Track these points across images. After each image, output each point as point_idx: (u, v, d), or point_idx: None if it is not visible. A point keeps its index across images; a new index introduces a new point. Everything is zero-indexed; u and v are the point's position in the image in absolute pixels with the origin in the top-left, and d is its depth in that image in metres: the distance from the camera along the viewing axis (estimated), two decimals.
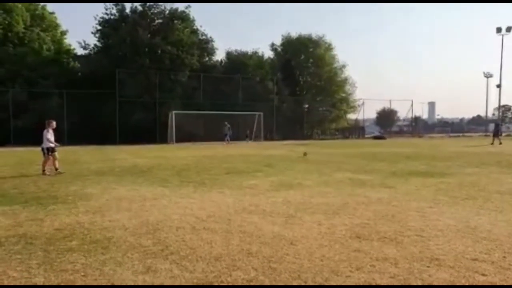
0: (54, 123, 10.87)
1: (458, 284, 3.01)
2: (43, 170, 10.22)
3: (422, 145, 24.89)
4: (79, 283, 3.03)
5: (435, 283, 2.99)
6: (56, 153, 10.64)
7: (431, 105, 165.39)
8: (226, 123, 28.91)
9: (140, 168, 11.54)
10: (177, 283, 3.00)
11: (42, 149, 10.56)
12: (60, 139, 28.22)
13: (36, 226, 4.71)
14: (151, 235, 4.31)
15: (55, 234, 4.38)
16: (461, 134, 54.93)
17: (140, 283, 3.01)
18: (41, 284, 3.03)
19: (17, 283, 3.03)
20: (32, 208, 5.79)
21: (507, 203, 5.99)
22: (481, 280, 3.06)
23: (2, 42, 30.88)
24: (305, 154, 14.87)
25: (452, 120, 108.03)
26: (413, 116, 50.81)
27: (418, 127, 55.99)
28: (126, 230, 4.52)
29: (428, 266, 3.34)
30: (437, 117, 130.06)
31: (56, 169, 10.36)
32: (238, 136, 31.91)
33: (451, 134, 54.64)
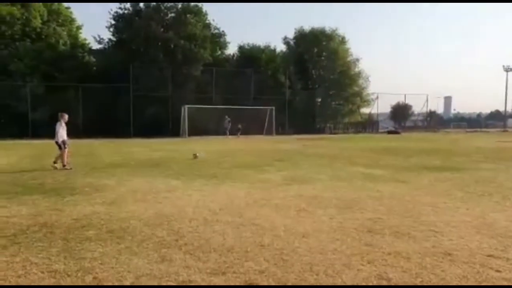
0: (66, 116, 10.67)
1: (471, 279, 3.00)
2: (64, 165, 10.01)
3: (437, 140, 24.54)
4: (97, 271, 3.12)
5: (447, 278, 2.99)
6: (66, 149, 10.39)
7: (447, 100, 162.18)
8: (226, 116, 29.02)
9: (154, 161, 11.72)
10: (191, 273, 3.07)
11: (57, 143, 10.34)
12: (76, 132, 28.85)
13: (56, 216, 4.86)
14: (165, 226, 4.40)
15: (73, 223, 4.52)
16: (478, 130, 53.83)
17: (155, 272, 3.09)
18: (61, 270, 3.13)
19: (39, 270, 3.14)
20: (51, 198, 5.96)
21: None
22: (495, 276, 3.04)
23: (20, 37, 31.51)
24: (195, 156, 12.15)
25: (469, 115, 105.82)
26: (428, 110, 50.06)
27: (433, 122, 55.10)
28: (141, 221, 4.62)
29: (441, 261, 3.33)
30: (453, 111, 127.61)
31: (64, 165, 10.05)
32: (249, 130, 31.99)
33: (468, 130, 53.65)
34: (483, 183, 7.40)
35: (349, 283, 2.91)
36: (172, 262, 3.30)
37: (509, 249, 3.66)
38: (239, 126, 30.01)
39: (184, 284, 2.90)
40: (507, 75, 56.20)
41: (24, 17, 31.89)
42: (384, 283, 2.90)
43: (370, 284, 2.90)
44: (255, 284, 2.89)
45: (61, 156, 10.18)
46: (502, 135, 35.67)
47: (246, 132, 31.41)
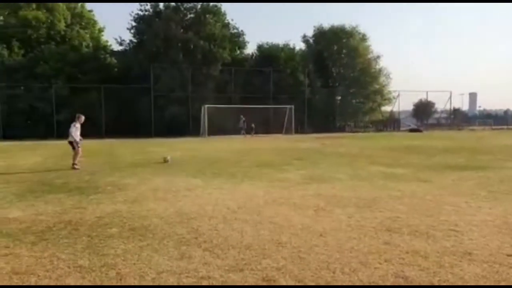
0: (83, 118, 10.98)
1: (490, 279, 2.95)
2: (74, 164, 10.21)
3: (461, 138, 23.89)
4: (120, 267, 3.24)
5: (466, 277, 2.96)
6: (79, 148, 10.62)
7: (472, 96, 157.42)
8: (241, 116, 28.95)
9: (174, 160, 11.89)
10: (209, 269, 3.14)
11: (71, 142, 10.58)
12: (98, 132, 29.50)
13: (80, 214, 5.04)
14: (185, 224, 4.50)
15: (97, 221, 4.68)
16: (505, 127, 51.99)
17: (175, 269, 3.17)
18: (86, 266, 3.26)
19: (65, 265, 3.29)
20: (76, 197, 6.17)
21: None
22: None
23: (46, 41, 32.55)
24: (165, 160, 11.39)
25: (496, 112, 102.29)
26: (452, 107, 48.75)
27: (458, 119, 53.63)
28: (162, 219, 4.73)
29: (460, 261, 3.29)
30: (478, 108, 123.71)
31: (74, 164, 10.21)
32: (268, 129, 31.96)
33: (494, 127, 51.90)
34: (508, 182, 7.20)
35: (365, 281, 2.92)
36: (192, 259, 3.38)
37: None
38: (253, 125, 29.93)
39: (203, 279, 2.97)
40: None
41: (49, 21, 32.92)
42: (401, 281, 2.90)
43: (387, 282, 2.89)
44: (272, 281, 2.93)
45: (75, 156, 10.44)
46: None
47: (265, 131, 31.36)
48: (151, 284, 2.90)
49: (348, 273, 3.05)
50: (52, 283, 2.93)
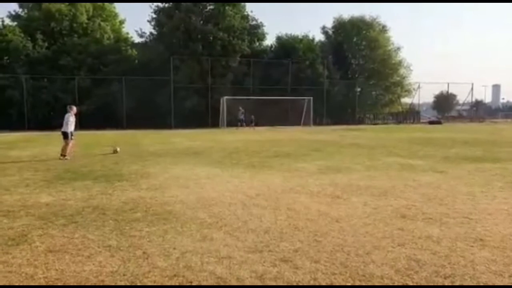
0: (75, 109, 11.07)
1: (499, 262, 3.05)
2: (64, 155, 10.14)
3: (483, 131, 23.36)
4: (146, 247, 3.46)
5: (476, 261, 3.07)
6: (73, 140, 10.65)
7: (496, 88, 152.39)
8: (240, 107, 28.68)
9: (194, 150, 12.19)
10: (230, 250, 3.33)
11: (65, 133, 10.54)
12: (120, 123, 30.12)
13: (106, 199, 5.31)
14: (206, 209, 4.71)
15: (122, 206, 4.93)
16: None
17: (198, 249, 3.37)
18: (114, 246, 3.50)
19: (95, 245, 3.53)
20: (101, 184, 6.47)
21: None
22: None
23: (68, 33, 33.32)
24: (115, 151, 11.32)
25: None
26: (474, 100, 47.49)
27: (480, 111, 52.26)
28: (184, 205, 4.96)
29: (471, 246, 3.39)
30: (502, 101, 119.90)
31: (64, 155, 10.13)
32: (287, 121, 32.00)
33: None
34: None
35: (378, 262, 3.05)
36: (213, 241, 3.58)
37: None
38: (252, 117, 29.54)
39: (224, 259, 3.16)
40: None
41: (72, 13, 33.63)
42: (413, 264, 3.02)
43: (399, 264, 3.02)
44: (289, 262, 3.10)
45: (66, 146, 10.36)
46: None
47: (284, 122, 31.39)
48: (175, 262, 3.10)
49: (362, 255, 3.19)
50: (84, 261, 3.15)
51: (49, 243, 3.58)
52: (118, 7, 41.71)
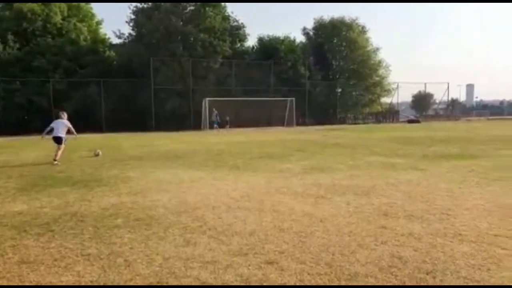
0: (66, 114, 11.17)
1: (477, 256, 3.13)
2: (56, 160, 10.13)
3: (458, 129, 24.05)
4: (127, 254, 3.37)
5: (455, 255, 3.14)
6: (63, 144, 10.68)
7: (470, 88, 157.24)
8: (214, 109, 28.42)
9: (176, 153, 12.04)
10: (215, 255, 3.29)
11: (60, 138, 10.62)
12: (98, 126, 29.43)
13: (85, 206, 5.16)
14: (189, 213, 4.64)
15: (102, 213, 4.79)
16: (500, 117, 52.21)
17: (181, 255, 3.31)
18: (94, 254, 3.39)
19: (73, 254, 3.41)
20: (80, 190, 6.28)
21: None
22: (500, 253, 3.18)
23: (42, 34, 32.29)
24: (96, 154, 11.40)
25: (492, 103, 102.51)
26: (450, 99, 48.85)
27: (455, 110, 53.76)
28: (166, 209, 4.87)
29: (451, 241, 3.48)
30: (475, 99, 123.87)
31: (56, 160, 10.14)
32: (270, 122, 32.07)
33: (490, 117, 52.13)
34: (499, 169, 7.39)
35: (362, 261, 3.08)
36: (197, 246, 3.53)
37: None
38: (227, 118, 29.39)
39: (209, 263, 3.12)
40: None
41: (45, 13, 32.59)
42: (396, 261, 3.06)
43: (383, 262, 3.06)
44: (275, 264, 3.08)
45: (58, 151, 10.41)
46: None
47: (267, 123, 31.43)
48: (158, 269, 3.03)
49: (347, 255, 3.22)
50: (61, 271, 3.03)
51: (23, 254, 3.43)
52: (95, 7, 40.91)
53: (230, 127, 29.29)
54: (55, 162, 10.04)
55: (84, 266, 3.13)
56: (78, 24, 34.19)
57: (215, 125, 28.24)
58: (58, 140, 10.69)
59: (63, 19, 33.75)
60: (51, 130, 10.81)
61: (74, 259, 3.28)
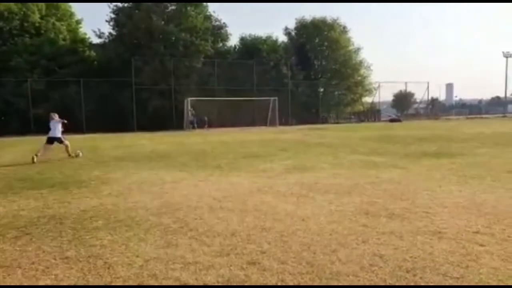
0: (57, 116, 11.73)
1: (456, 253, 3.19)
2: (71, 155, 11.09)
3: (438, 127, 24.61)
4: (107, 256, 3.31)
5: (435, 253, 3.20)
6: (53, 145, 11.34)
7: (449, 87, 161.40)
8: (191, 109, 28.35)
9: (158, 153, 11.90)
10: (196, 256, 3.26)
11: (58, 138, 11.31)
12: (79, 127, 28.84)
13: (64, 208, 5.03)
14: (171, 215, 4.58)
15: (82, 215, 4.69)
16: (478, 116, 53.79)
17: (162, 256, 3.27)
18: (73, 257, 3.32)
19: (51, 257, 3.33)
20: (59, 192, 6.13)
21: None
22: (479, 250, 3.25)
23: (19, 33, 31.47)
24: (76, 155, 11.25)
25: (470, 102, 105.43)
26: (430, 98, 49.96)
27: (435, 109, 55.01)
28: (147, 211, 4.80)
29: (431, 239, 3.54)
30: (455, 98, 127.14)
31: (71, 155, 11.15)
32: (254, 122, 32.10)
33: (469, 116, 53.58)
34: (477, 167, 7.58)
35: (344, 260, 3.10)
36: (179, 247, 3.49)
37: (494, 226, 3.89)
38: (206, 118, 29.27)
39: (190, 264, 3.09)
40: (507, 61, 55.79)
41: (22, 12, 31.76)
42: (377, 259, 3.10)
43: (364, 260, 3.09)
44: (257, 264, 3.07)
45: (67, 148, 11.21)
46: (501, 121, 35.76)
47: (250, 123, 31.46)
48: (138, 271, 2.99)
49: (328, 254, 3.23)
50: (39, 275, 2.96)
51: None
52: (75, 6, 40.02)
53: (209, 127, 29.11)
54: (74, 156, 11.05)
55: (63, 269, 3.06)
56: (57, 23, 33.41)
57: (192, 125, 27.97)
58: (54, 140, 11.26)
59: (41, 18, 32.92)
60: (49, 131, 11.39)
61: (52, 262, 3.21)
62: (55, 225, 4.25)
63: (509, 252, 3.18)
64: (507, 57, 55.51)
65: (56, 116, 11.47)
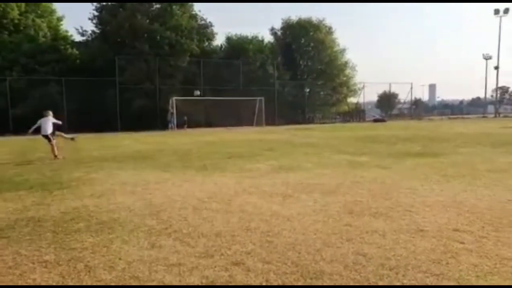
0: (51, 113, 11.60)
1: (437, 251, 3.25)
2: (56, 156, 10.81)
3: (421, 127, 25.06)
4: (88, 259, 3.24)
5: (417, 251, 3.24)
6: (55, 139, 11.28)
7: (432, 88, 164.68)
8: (170, 108, 28.08)
9: (142, 154, 11.75)
10: (180, 257, 3.22)
11: (46, 136, 11.12)
12: (60, 126, 28.19)
13: (43, 210, 4.91)
14: (155, 216, 4.52)
15: (62, 217, 4.58)
16: (460, 116, 55.09)
17: (146, 258, 3.22)
18: (52, 260, 3.23)
19: (29, 261, 3.23)
20: (38, 193, 5.98)
21: (495, 180, 6.24)
22: (459, 247, 3.32)
23: None
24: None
25: (452, 102, 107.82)
26: (413, 98, 50.88)
27: (419, 109, 56.05)
28: (131, 212, 4.72)
29: (413, 237, 3.59)
30: (437, 99, 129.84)
31: (56, 156, 10.84)
32: (240, 122, 32.06)
33: (451, 116, 54.81)
34: (458, 166, 7.75)
35: (328, 259, 3.12)
36: (162, 248, 3.44)
37: (473, 223, 3.98)
38: (185, 118, 29.04)
39: (174, 266, 3.05)
40: (486, 63, 57.28)
41: (1, 8, 30.96)
42: (361, 258, 3.12)
43: (348, 259, 3.11)
44: (241, 264, 3.05)
45: (53, 148, 10.99)
46: (481, 121, 36.70)
47: (236, 123, 31.41)
48: (120, 273, 2.94)
49: (313, 253, 3.24)
50: (16, 279, 2.88)
51: None
52: (56, 3, 39.14)
53: (189, 127, 28.85)
54: (56, 158, 10.65)
55: (41, 273, 2.98)
56: (37, 20, 32.68)
57: (170, 125, 27.64)
58: (46, 138, 11.13)
59: (20, 14, 32.13)
60: (39, 128, 11.19)
61: (30, 266, 3.12)
62: (34, 228, 4.14)
63: (487, 249, 3.26)
64: (486, 59, 56.99)
65: (50, 114, 11.37)
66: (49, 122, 11.20)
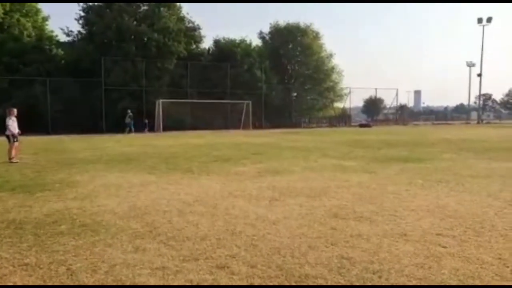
0: (15, 111, 11.14)
1: (420, 255, 3.29)
2: (10, 158, 10.35)
3: (406, 133, 25.45)
4: (70, 262, 3.18)
5: (400, 255, 3.28)
6: (17, 142, 10.82)
7: (417, 94, 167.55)
8: (128, 111, 27.47)
9: (127, 156, 11.62)
10: (164, 260, 3.19)
11: (7, 136, 10.74)
12: (44, 127, 27.66)
13: (25, 212, 4.81)
14: (139, 219, 4.47)
15: (44, 219, 4.49)
16: (444, 122, 56.24)
17: (129, 261, 3.18)
18: (33, 264, 3.17)
19: (9, 264, 3.16)
20: (20, 195, 5.86)
21: (477, 185, 6.38)
22: (441, 251, 3.37)
23: None
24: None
25: (437, 109, 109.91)
26: (399, 104, 51.67)
27: (404, 115, 56.92)
28: (115, 215, 4.67)
29: (396, 241, 3.64)
30: (422, 105, 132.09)
31: (11, 158, 10.35)
32: (227, 125, 31.99)
33: (435, 122, 55.85)
34: (442, 171, 7.89)
35: (313, 263, 3.13)
36: (146, 252, 3.40)
37: (455, 228, 4.05)
38: (146, 121, 28.58)
39: (158, 270, 3.02)
40: (470, 70, 58.68)
41: None
42: (345, 262, 3.14)
43: (332, 263, 3.12)
44: (225, 268, 3.04)
45: (11, 149, 10.52)
46: (464, 127, 37.51)
47: (223, 126, 31.31)
48: (103, 277, 2.89)
49: (298, 257, 3.25)
50: None
51: None
52: (41, 2, 38.46)
53: (149, 130, 28.26)
54: (13, 160, 10.24)
55: (21, 276, 2.91)
56: (22, 19, 32.02)
57: (128, 128, 27.08)
58: (7, 138, 10.82)
59: (4, 13, 31.46)
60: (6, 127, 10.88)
61: (10, 269, 3.05)
62: (15, 230, 4.05)
63: (469, 253, 3.32)
64: (470, 67, 58.39)
65: (11, 113, 11.01)
66: (9, 121, 10.87)
